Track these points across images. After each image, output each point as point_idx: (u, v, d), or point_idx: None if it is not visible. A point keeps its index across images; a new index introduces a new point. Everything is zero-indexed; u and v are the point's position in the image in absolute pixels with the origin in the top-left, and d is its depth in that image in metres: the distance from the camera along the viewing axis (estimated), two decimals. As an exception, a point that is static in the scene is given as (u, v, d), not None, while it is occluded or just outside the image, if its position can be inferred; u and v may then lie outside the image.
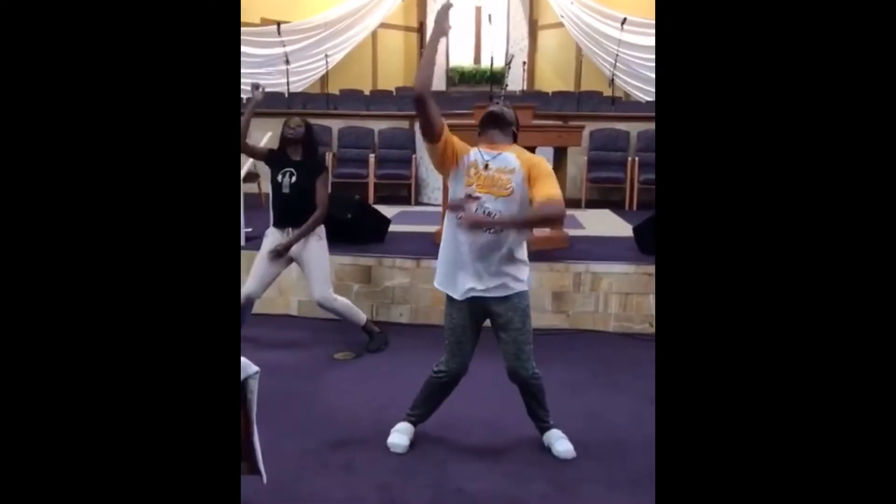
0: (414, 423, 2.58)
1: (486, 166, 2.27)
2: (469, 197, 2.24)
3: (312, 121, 3.70)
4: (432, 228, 4.78)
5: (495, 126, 2.34)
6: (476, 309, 2.38)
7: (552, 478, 2.35)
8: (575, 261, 4.04)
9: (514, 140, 2.39)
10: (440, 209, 4.76)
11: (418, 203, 6.88)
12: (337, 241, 3.84)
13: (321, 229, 3.50)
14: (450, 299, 2.40)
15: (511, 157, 2.28)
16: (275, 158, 3.48)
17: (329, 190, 4.56)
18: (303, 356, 3.54)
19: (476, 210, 2.21)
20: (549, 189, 2.19)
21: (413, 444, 2.54)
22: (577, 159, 6.82)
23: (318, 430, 2.64)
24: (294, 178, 3.42)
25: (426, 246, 4.48)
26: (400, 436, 2.54)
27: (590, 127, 6.91)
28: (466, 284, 2.33)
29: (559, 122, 5.33)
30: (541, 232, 4.40)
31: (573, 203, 6.68)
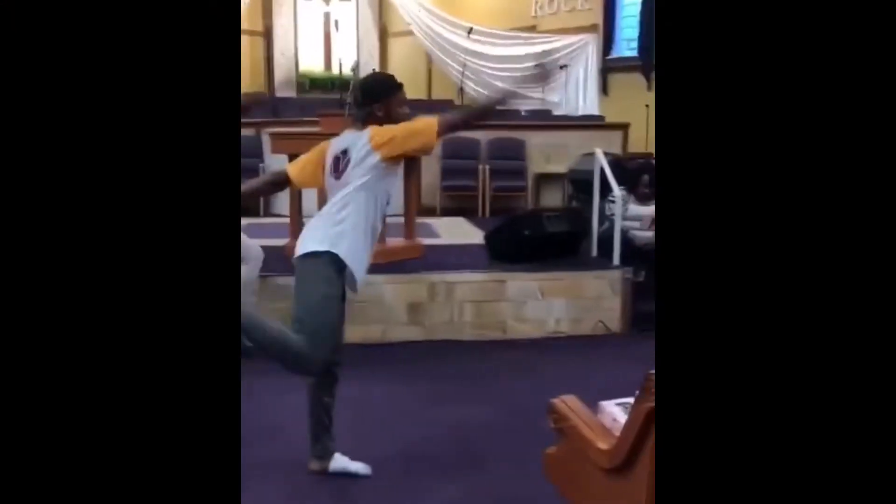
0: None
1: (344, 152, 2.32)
2: None
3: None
4: (281, 241, 4.57)
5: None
6: None
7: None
8: (429, 272, 4.01)
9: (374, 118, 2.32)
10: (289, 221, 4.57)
11: (268, 214, 6.60)
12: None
13: None
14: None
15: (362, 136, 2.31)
16: None
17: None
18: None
19: None
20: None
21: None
22: (432, 166, 6.85)
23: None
24: None
25: (275, 261, 4.27)
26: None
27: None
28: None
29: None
30: (395, 242, 4.34)
31: (429, 211, 6.70)
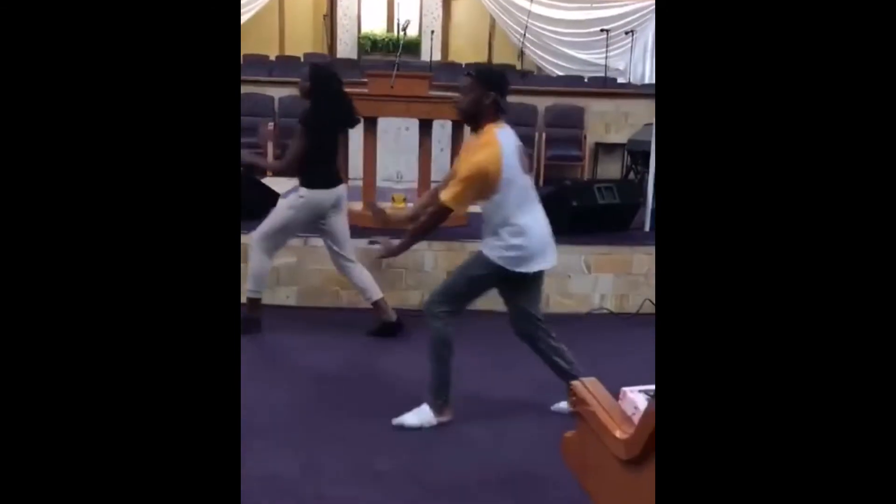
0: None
1: None
2: None
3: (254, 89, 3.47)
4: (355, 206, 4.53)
5: (467, 119, 2.53)
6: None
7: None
8: (472, 240, 3.89)
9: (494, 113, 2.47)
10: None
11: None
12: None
13: (300, 198, 3.29)
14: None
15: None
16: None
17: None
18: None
19: None
20: (449, 192, 2.43)
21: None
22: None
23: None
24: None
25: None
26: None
27: (498, 100, 6.78)
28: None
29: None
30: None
31: (481, 178, 6.56)
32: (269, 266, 3.41)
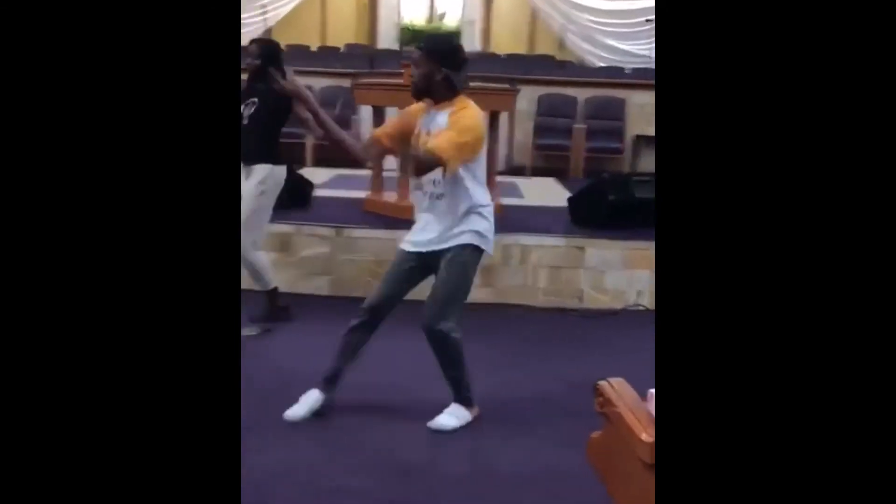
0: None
1: (428, 132, 2.29)
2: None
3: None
4: (363, 194, 4.55)
5: (422, 93, 2.32)
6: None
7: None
8: (504, 233, 3.85)
9: (457, 87, 2.31)
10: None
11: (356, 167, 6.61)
12: (253, 207, 3.57)
13: (268, 178, 3.15)
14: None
15: (442, 117, 2.27)
16: (243, 90, 3.16)
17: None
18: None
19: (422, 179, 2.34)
20: (438, 140, 2.22)
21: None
22: (524, 125, 6.63)
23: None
24: (254, 109, 3.12)
25: (353, 214, 4.25)
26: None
27: (538, 92, 6.70)
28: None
29: (494, 85, 5.08)
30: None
31: (518, 170, 6.50)
32: (264, 258, 3.31)
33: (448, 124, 2.24)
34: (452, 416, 2.45)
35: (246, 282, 3.66)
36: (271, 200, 3.23)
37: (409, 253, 2.40)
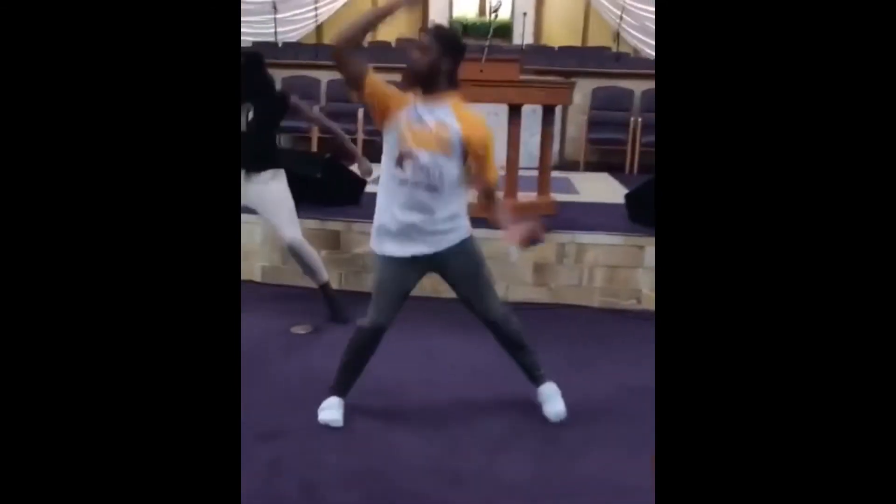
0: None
1: (422, 125, 2.12)
2: (404, 155, 2.12)
3: (300, 72, 3.47)
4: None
5: (419, 81, 2.13)
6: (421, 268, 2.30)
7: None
8: (560, 230, 3.74)
9: (457, 84, 2.17)
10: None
11: (409, 162, 6.56)
12: (304, 203, 3.54)
13: (279, 170, 3.21)
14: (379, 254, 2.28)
15: (443, 112, 2.13)
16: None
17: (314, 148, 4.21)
18: (257, 328, 3.29)
19: (413, 167, 2.13)
20: (491, 173, 2.21)
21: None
22: (577, 119, 6.47)
23: (254, 415, 2.40)
24: (251, 116, 3.09)
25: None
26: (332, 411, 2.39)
27: (592, 84, 6.53)
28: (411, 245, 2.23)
29: (550, 79, 4.94)
30: (525, 198, 4.11)
31: (571, 165, 6.35)
32: (315, 252, 3.38)
33: (466, 128, 2.14)
34: (555, 396, 2.47)
35: (298, 279, 3.65)
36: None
37: (405, 259, 2.25)
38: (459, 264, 2.30)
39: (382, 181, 2.21)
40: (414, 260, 2.23)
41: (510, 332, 2.41)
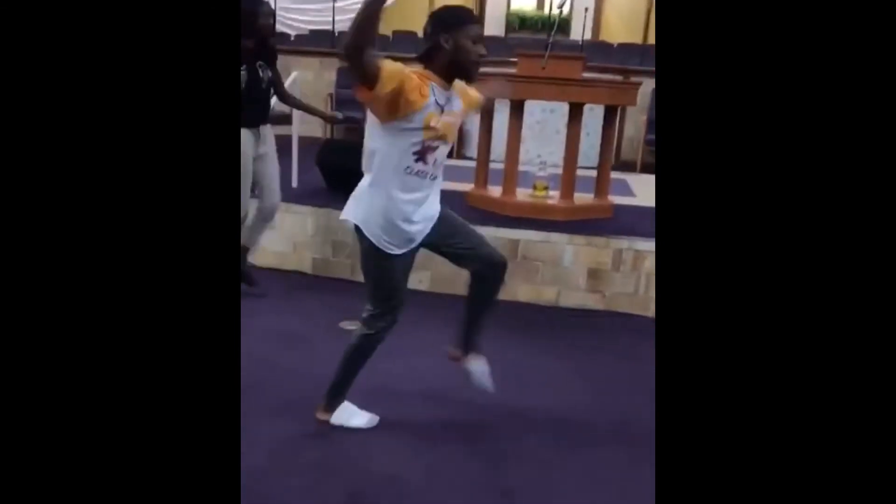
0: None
1: (441, 111, 1.98)
2: (427, 148, 1.99)
3: None
4: (467, 187, 4.40)
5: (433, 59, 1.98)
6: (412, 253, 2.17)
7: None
8: (617, 235, 3.62)
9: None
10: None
11: (461, 156, 6.48)
12: (340, 194, 3.46)
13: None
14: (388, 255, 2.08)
15: (457, 101, 2.06)
16: (249, 50, 3.17)
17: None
18: (306, 322, 3.26)
19: (436, 159, 2.02)
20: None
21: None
22: (635, 118, 6.29)
23: (301, 414, 2.37)
24: (268, 72, 3.27)
25: (456, 207, 4.10)
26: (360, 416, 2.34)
27: (653, 84, 6.34)
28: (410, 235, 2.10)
29: (616, 78, 4.80)
30: (581, 200, 3.99)
31: (628, 166, 6.19)
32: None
33: (465, 102, 2.10)
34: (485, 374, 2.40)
35: (349, 272, 3.61)
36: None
37: (413, 249, 2.15)
38: (448, 221, 2.18)
39: (384, 177, 2.01)
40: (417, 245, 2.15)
41: (499, 284, 2.25)
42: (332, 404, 2.32)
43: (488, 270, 2.22)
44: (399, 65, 1.88)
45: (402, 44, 7.85)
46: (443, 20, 1.98)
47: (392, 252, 2.08)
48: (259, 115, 3.27)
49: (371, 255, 2.09)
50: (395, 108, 1.90)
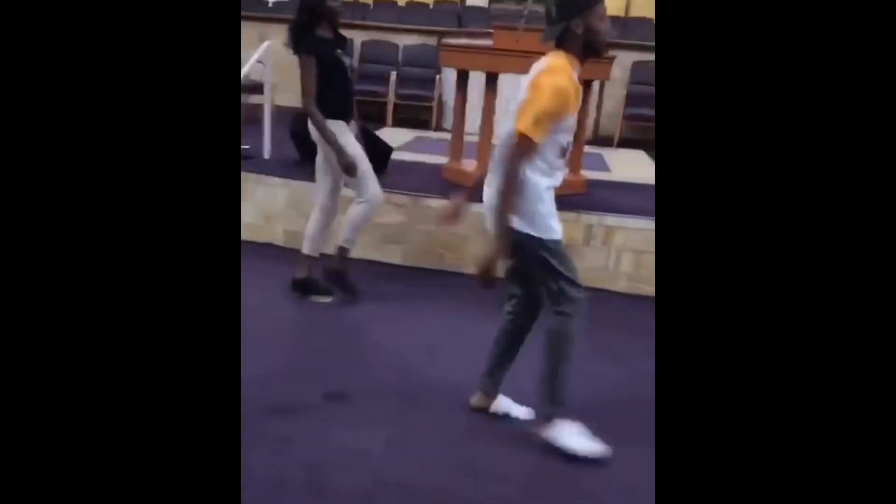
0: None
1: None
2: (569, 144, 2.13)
3: (380, 35, 3.30)
4: (443, 160, 4.39)
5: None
6: None
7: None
8: (588, 211, 3.64)
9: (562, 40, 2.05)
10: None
11: (439, 129, 6.45)
12: (313, 165, 3.42)
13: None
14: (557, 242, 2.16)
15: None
16: (327, 39, 2.96)
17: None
18: (276, 296, 3.26)
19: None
20: (517, 121, 1.99)
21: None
22: (615, 93, 6.28)
23: (262, 387, 2.38)
24: (349, 60, 3.06)
25: (431, 181, 4.11)
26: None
27: (633, 58, 6.32)
28: None
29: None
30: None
31: (605, 141, 6.19)
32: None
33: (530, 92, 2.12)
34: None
35: (367, 251, 3.62)
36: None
37: None
38: None
39: (541, 172, 2.09)
40: None
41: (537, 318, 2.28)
42: (553, 415, 2.21)
43: (538, 299, 2.25)
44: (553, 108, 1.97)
45: (381, 11, 7.74)
46: (572, 3, 1.99)
47: (558, 236, 2.17)
48: (349, 107, 3.07)
49: (548, 249, 2.15)
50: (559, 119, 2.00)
